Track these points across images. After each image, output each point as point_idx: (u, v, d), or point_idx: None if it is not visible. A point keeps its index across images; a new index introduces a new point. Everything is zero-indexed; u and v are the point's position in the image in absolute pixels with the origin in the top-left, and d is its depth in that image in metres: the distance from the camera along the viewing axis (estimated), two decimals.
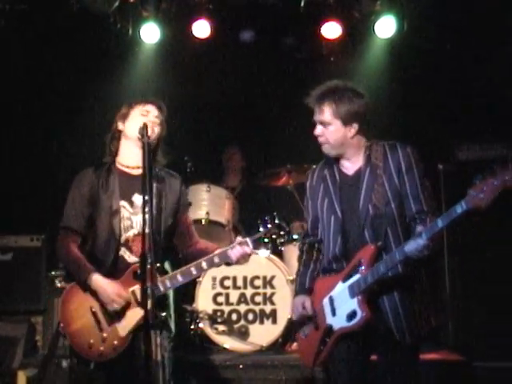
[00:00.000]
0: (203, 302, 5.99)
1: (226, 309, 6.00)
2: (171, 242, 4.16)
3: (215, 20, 6.89)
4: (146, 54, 7.01)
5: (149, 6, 6.45)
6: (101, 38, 6.64)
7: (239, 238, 4.02)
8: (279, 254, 6.23)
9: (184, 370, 5.22)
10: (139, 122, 3.94)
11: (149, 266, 3.49)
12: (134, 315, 3.89)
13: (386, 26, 6.62)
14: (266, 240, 4.04)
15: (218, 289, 6.03)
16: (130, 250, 4.01)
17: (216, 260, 3.99)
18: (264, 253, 6.03)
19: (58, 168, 6.66)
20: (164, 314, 3.96)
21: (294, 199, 6.58)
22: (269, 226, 4.02)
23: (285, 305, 5.88)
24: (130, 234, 4.02)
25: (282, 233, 4.03)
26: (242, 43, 7.26)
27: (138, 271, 3.81)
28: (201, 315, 5.93)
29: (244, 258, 4.01)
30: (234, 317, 5.98)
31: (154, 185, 3.98)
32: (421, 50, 6.69)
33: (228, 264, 4.05)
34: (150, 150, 3.79)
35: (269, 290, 6.00)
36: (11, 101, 6.82)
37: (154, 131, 4.04)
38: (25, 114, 6.94)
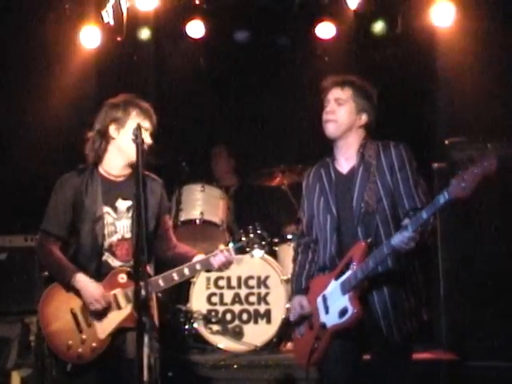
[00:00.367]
0: (197, 302, 5.99)
1: (221, 309, 6.00)
2: (152, 245, 4.13)
3: (210, 20, 6.90)
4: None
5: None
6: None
7: (222, 246, 4.08)
8: (273, 254, 6.24)
9: (178, 369, 5.23)
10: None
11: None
12: (114, 318, 3.91)
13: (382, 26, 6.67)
14: (247, 249, 4.14)
15: (213, 289, 6.03)
16: (113, 254, 4.01)
17: (198, 267, 4.04)
18: (258, 253, 6.02)
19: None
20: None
21: (288, 199, 6.59)
22: (251, 235, 4.12)
23: (279, 305, 5.89)
24: (114, 239, 4.01)
25: (263, 243, 4.14)
26: (237, 43, 7.28)
27: (121, 275, 3.90)
28: (195, 315, 5.93)
29: (225, 266, 4.07)
30: (229, 317, 5.98)
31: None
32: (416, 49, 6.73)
33: (209, 271, 4.14)
34: (143, 152, 3.78)
35: (263, 290, 6.00)
36: None
37: (147, 152, 3.98)
38: None
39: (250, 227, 4.16)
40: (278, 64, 7.44)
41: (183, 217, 6.36)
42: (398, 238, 3.49)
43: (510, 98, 6.27)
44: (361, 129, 3.88)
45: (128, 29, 6.58)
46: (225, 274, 5.97)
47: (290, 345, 5.80)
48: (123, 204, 4.03)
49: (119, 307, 3.92)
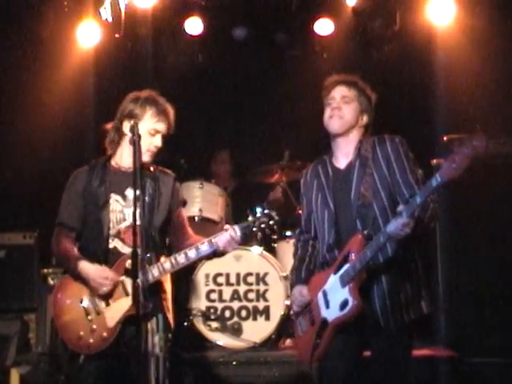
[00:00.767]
0: (196, 298, 5.99)
1: (219, 305, 5.99)
2: (165, 239, 4.18)
3: (208, 17, 6.90)
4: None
5: None
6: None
7: (227, 226, 4.05)
8: (272, 251, 6.24)
9: (177, 366, 5.23)
10: (147, 142, 3.99)
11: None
12: (122, 306, 3.90)
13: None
14: (254, 229, 4.04)
15: (211, 285, 6.03)
16: (122, 241, 4.03)
17: (202, 247, 3.97)
18: (257, 249, 6.04)
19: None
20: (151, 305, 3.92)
21: (287, 196, 6.59)
22: (258, 214, 4.04)
23: (278, 301, 5.89)
24: (122, 225, 4.04)
25: (271, 222, 4.03)
26: (235, 40, 7.27)
27: (129, 261, 3.80)
28: (194, 312, 5.93)
29: (231, 245, 4.00)
30: (227, 313, 5.98)
31: (148, 182, 4.05)
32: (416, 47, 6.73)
33: (217, 255, 4.05)
34: (140, 148, 3.83)
35: (262, 287, 6.00)
36: None
37: (154, 153, 4.08)
38: None
39: (258, 207, 4.07)
40: (276, 61, 7.44)
41: None
42: (393, 225, 3.49)
43: (509, 95, 6.27)
44: (362, 128, 3.93)
45: (126, 26, 6.59)
46: (224, 270, 5.98)
47: (289, 341, 5.81)
48: (132, 193, 3.99)
49: (127, 294, 3.91)
